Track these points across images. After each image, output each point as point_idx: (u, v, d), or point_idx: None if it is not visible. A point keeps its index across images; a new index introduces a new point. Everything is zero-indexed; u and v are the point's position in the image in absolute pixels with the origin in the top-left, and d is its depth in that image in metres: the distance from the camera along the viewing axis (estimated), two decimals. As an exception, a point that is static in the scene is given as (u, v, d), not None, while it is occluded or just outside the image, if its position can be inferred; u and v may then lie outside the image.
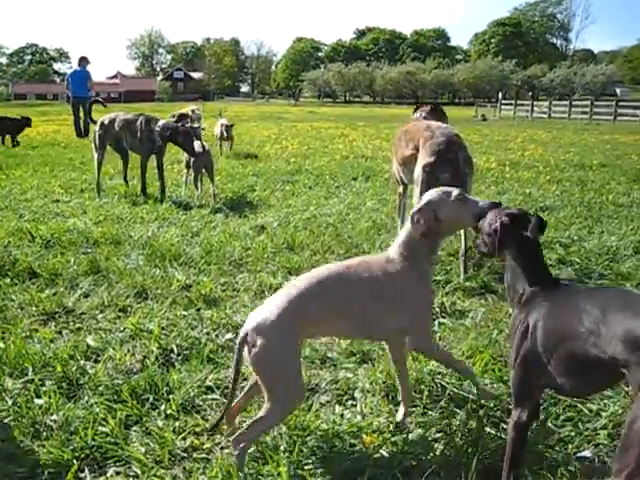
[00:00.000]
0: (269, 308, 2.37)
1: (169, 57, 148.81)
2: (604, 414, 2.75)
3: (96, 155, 8.37)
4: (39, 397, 2.90)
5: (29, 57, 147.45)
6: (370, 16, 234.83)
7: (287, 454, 2.44)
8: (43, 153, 13.41)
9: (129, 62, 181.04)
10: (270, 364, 2.31)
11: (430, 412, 2.79)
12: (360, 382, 3.07)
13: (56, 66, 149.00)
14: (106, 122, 8.21)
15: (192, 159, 7.71)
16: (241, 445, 2.30)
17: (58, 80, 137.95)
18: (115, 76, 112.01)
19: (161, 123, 7.84)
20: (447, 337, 3.60)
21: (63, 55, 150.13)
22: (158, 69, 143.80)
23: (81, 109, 16.26)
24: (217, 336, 3.60)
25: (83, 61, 17.70)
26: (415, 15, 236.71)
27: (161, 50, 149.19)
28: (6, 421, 2.72)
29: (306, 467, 2.38)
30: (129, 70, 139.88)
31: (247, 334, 2.32)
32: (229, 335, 3.60)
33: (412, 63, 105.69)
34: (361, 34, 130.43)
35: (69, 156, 12.75)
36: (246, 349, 2.33)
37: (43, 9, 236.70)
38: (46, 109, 47.23)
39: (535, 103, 45.82)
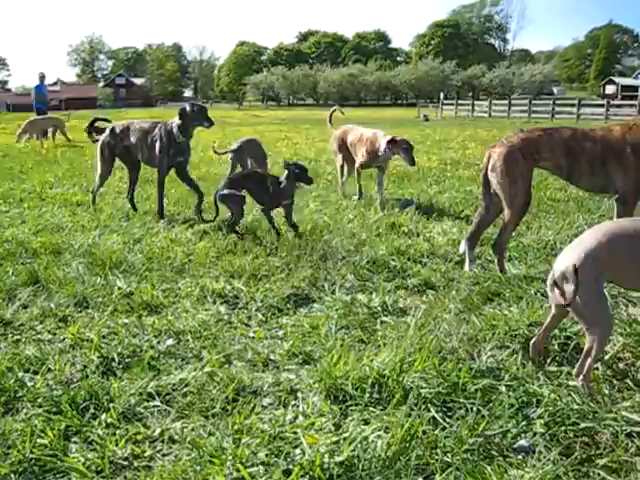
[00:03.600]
0: (572, 255, 2.91)
1: (110, 63, 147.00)
2: (542, 401, 2.80)
3: (100, 166, 7.51)
4: (-25, 411, 2.84)
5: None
6: (312, 20, 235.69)
7: (230, 457, 2.44)
8: (-20, 163, 13.13)
9: (70, 69, 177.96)
10: (584, 302, 2.84)
11: (372, 409, 2.81)
12: (302, 383, 3.08)
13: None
14: (118, 130, 7.30)
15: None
16: (581, 377, 2.92)
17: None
18: (55, 83, 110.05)
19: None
20: (389, 335, 3.63)
21: (1, 62, 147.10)
22: (99, 75, 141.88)
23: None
24: (159, 343, 3.57)
25: (42, 78, 21.30)
26: (356, 18, 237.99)
27: (102, 56, 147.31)
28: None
29: (248, 469, 2.38)
30: (70, 77, 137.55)
31: (557, 277, 2.92)
32: (170, 341, 3.58)
33: (354, 65, 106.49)
34: (303, 37, 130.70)
35: (8, 165, 12.52)
36: (557, 291, 2.96)
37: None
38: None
39: (476, 102, 46.49)
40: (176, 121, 6.83)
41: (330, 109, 9.45)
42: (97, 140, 7.52)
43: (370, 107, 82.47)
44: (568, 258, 2.91)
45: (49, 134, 18.89)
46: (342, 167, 8.42)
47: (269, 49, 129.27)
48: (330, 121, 9.08)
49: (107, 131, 7.36)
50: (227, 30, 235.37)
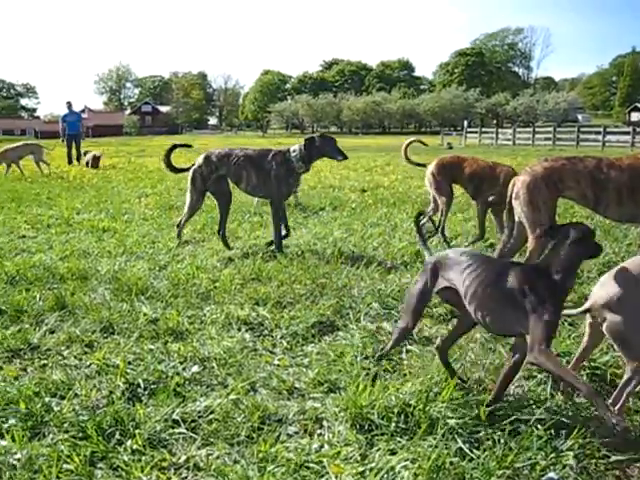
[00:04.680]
0: (615, 285, 2.89)
1: (137, 91, 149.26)
2: (572, 433, 2.77)
3: (190, 197, 7.09)
4: (1, 436, 2.86)
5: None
6: (337, 48, 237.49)
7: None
8: (10, 188, 13.31)
9: (97, 97, 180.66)
10: (629, 332, 2.82)
11: (399, 439, 2.79)
12: (328, 412, 3.07)
13: (23, 101, 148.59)
14: (214, 159, 6.86)
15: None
16: (616, 408, 2.87)
17: (25, 115, 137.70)
18: (83, 111, 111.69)
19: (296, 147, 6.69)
20: (414, 364, 3.61)
21: (30, 90, 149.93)
22: (126, 103, 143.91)
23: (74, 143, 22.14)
24: (184, 369, 3.58)
25: (71, 106, 22.36)
26: (381, 47, 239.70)
27: (129, 84, 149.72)
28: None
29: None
30: (97, 105, 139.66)
31: (598, 307, 2.90)
32: (196, 368, 3.59)
33: (378, 93, 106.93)
34: (328, 66, 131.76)
35: (36, 191, 12.67)
36: (594, 320, 2.98)
37: (9, 44, 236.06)
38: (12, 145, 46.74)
39: (500, 130, 46.48)
40: (297, 150, 6.62)
41: (355, 137, 8.95)
42: (178, 169, 7.25)
43: (393, 135, 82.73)
44: (611, 288, 2.89)
45: (33, 162, 18.37)
46: (449, 205, 7.25)
47: (294, 77, 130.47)
48: (406, 154, 8.05)
49: (200, 159, 6.94)
50: (252, 59, 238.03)
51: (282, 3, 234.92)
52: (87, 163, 20.72)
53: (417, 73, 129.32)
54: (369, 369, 3.48)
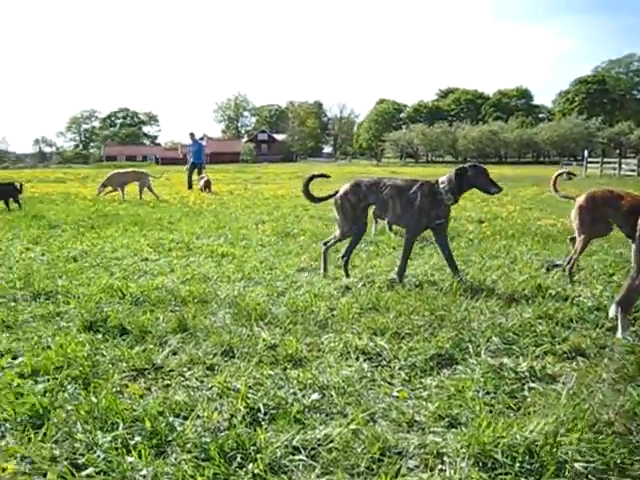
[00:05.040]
0: None
1: (253, 120, 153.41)
2: None
3: (348, 226, 6.83)
4: (129, 452, 2.96)
5: (120, 120, 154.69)
6: (452, 77, 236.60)
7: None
8: (132, 213, 13.86)
9: (215, 125, 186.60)
10: None
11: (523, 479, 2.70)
12: (449, 447, 3.00)
13: (145, 129, 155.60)
14: (363, 187, 6.76)
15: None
16: None
17: (147, 142, 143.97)
18: (202, 138, 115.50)
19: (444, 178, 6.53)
20: (538, 402, 3.50)
21: (152, 119, 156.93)
22: (243, 131, 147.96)
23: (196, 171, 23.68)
24: (304, 396, 3.59)
25: (194, 135, 24.32)
26: (497, 75, 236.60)
27: (246, 113, 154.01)
28: (96, 475, 2.78)
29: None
30: (215, 133, 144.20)
31: None
32: (315, 396, 3.59)
33: (495, 122, 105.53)
34: (443, 95, 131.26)
35: (157, 216, 13.14)
36: None
37: (135, 75, 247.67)
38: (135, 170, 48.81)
39: (623, 161, 44.83)
40: (446, 181, 6.47)
41: (556, 171, 7.98)
42: (318, 198, 7.19)
43: (510, 165, 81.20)
44: None
45: (138, 189, 18.90)
46: (587, 243, 6.65)
47: (408, 106, 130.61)
48: (555, 186, 7.46)
49: (347, 187, 6.83)
50: (368, 88, 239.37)
51: (398, 32, 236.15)
52: (201, 188, 21.80)
53: (536, 101, 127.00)
54: (492, 405, 3.40)
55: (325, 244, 7.12)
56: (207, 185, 21.82)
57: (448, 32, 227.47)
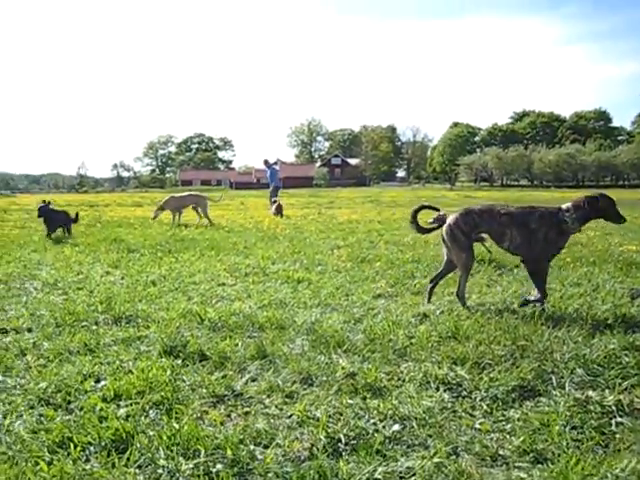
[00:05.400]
0: None
1: (327, 144, 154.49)
2: None
3: (464, 255, 6.54)
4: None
5: (196, 145, 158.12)
6: (527, 99, 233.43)
7: None
8: (208, 237, 14.04)
9: (288, 149, 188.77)
10: None
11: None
12: (534, 483, 2.93)
13: (220, 154, 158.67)
14: (475, 215, 6.52)
15: None
16: None
17: (222, 167, 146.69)
18: (275, 163, 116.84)
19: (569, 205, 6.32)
20: (627, 439, 3.37)
21: (227, 144, 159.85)
22: (316, 156, 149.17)
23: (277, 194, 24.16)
24: (384, 427, 3.56)
25: (268, 162, 25.89)
26: (574, 97, 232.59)
27: (320, 137, 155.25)
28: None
29: None
30: (288, 157, 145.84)
31: None
32: (396, 427, 3.55)
33: (571, 145, 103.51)
34: (518, 117, 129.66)
35: (233, 240, 13.27)
36: None
37: (210, 101, 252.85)
38: (210, 195, 49.66)
39: None
40: (572, 209, 6.26)
41: (546, 190, 7.71)
42: (426, 229, 7.08)
43: (588, 188, 79.38)
44: None
45: (197, 212, 18.83)
46: None
47: (483, 130, 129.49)
48: None
49: (457, 216, 6.57)
50: (441, 111, 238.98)
51: (472, 55, 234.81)
52: (273, 212, 22.29)
53: (614, 123, 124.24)
54: (579, 441, 3.30)
55: (432, 281, 6.87)
56: (279, 210, 22.15)
57: (522, 54, 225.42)
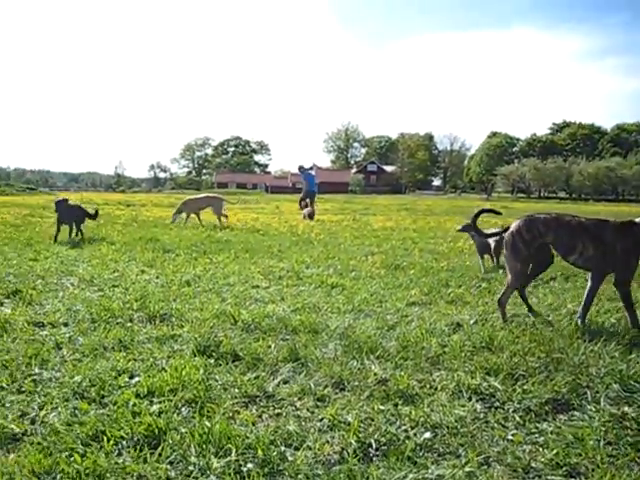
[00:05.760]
0: None
1: (363, 151, 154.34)
2: None
3: (519, 266, 6.35)
4: (242, 479, 2.99)
5: (232, 148, 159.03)
6: (567, 111, 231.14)
7: None
8: (243, 240, 14.10)
9: (324, 155, 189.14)
10: None
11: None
12: (568, 498, 2.90)
13: (256, 157, 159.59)
14: (540, 225, 6.27)
15: None
16: None
17: (258, 171, 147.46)
18: (311, 168, 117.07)
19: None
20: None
21: (263, 147, 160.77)
22: (352, 162, 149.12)
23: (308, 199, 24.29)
24: (416, 434, 3.55)
25: (303, 168, 25.75)
26: (616, 109, 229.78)
27: (356, 144, 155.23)
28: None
29: None
30: (323, 162, 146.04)
31: None
32: (428, 434, 3.54)
33: (612, 159, 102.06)
34: (558, 129, 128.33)
35: (267, 243, 13.31)
36: None
37: (248, 105, 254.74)
38: (245, 198, 50.07)
39: None
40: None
41: (585, 203, 7.44)
42: (486, 234, 7.03)
43: (628, 202, 78.29)
44: None
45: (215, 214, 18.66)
46: None
47: (521, 140, 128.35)
48: None
49: (520, 224, 6.37)
50: (480, 120, 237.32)
51: (512, 65, 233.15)
52: (304, 216, 22.81)
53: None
54: (613, 457, 3.25)
55: (499, 302, 6.49)
56: (310, 215, 22.70)
57: (563, 65, 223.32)
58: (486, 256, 10.03)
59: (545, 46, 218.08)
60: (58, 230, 13.20)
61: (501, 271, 9.46)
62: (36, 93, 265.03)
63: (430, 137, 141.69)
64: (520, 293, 6.73)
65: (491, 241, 9.61)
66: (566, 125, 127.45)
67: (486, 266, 9.85)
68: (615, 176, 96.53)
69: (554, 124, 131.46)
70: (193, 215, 18.72)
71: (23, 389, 4.20)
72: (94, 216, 14.34)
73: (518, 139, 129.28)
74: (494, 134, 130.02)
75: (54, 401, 3.97)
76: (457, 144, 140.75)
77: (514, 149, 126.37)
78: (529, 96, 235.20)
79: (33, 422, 3.69)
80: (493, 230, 8.00)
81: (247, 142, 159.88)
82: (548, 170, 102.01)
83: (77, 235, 13.63)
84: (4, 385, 4.24)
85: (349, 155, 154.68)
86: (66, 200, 13.96)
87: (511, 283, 6.43)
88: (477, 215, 6.92)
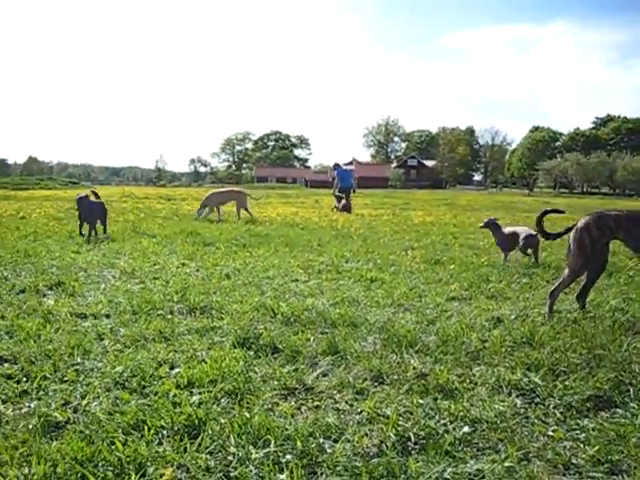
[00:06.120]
0: None
1: (403, 145, 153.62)
2: None
3: (580, 263, 6.25)
4: (281, 470, 3.01)
5: (272, 143, 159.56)
6: (611, 105, 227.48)
7: None
8: (283, 234, 14.15)
9: (364, 149, 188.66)
10: None
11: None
12: (609, 495, 2.86)
13: (296, 152, 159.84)
14: (611, 221, 6.17)
15: None
16: None
17: (297, 165, 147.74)
18: (351, 162, 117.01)
19: None
20: None
21: (303, 142, 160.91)
22: (392, 157, 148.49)
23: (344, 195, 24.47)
24: (454, 429, 3.53)
25: (338, 165, 26.29)
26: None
27: (396, 138, 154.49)
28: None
29: None
30: (364, 157, 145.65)
31: None
32: (467, 429, 3.52)
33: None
34: (602, 123, 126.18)
35: (307, 237, 13.32)
36: None
37: (288, 99, 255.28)
38: (285, 192, 50.19)
39: None
40: None
41: (629, 199, 7.27)
42: (553, 234, 6.75)
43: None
44: None
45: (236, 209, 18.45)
46: None
47: (564, 135, 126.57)
48: None
49: (589, 220, 6.27)
50: (521, 114, 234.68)
51: (552, 57, 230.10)
52: (338, 209, 24.04)
53: None
54: (657, 455, 3.21)
55: (552, 293, 6.45)
56: (346, 208, 23.64)
57: (604, 56, 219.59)
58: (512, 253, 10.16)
59: (587, 39, 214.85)
60: (81, 225, 12.90)
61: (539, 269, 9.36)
62: (79, 88, 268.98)
63: (471, 131, 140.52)
64: (583, 289, 6.57)
65: (521, 238, 9.71)
66: (610, 119, 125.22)
67: (512, 261, 9.86)
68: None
69: (597, 118, 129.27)
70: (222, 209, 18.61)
71: (66, 378, 4.26)
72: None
73: (561, 134, 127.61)
74: (536, 128, 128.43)
75: (96, 390, 4.03)
76: (498, 138, 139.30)
77: (556, 144, 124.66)
78: (572, 90, 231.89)
79: (75, 411, 3.75)
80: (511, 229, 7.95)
81: (287, 136, 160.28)
82: (591, 165, 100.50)
83: (104, 232, 12.96)
84: (47, 374, 4.31)
85: (389, 150, 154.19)
86: (87, 197, 13.31)
87: (566, 278, 6.37)
88: (542, 215, 6.84)
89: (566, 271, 6.42)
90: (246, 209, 18.47)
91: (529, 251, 9.84)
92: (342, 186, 24.93)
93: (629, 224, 6.13)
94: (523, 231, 9.91)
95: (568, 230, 6.48)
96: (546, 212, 6.97)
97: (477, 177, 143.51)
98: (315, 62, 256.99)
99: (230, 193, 19.25)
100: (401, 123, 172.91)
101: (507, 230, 10.22)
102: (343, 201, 23.93)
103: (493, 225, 10.30)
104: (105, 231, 13.02)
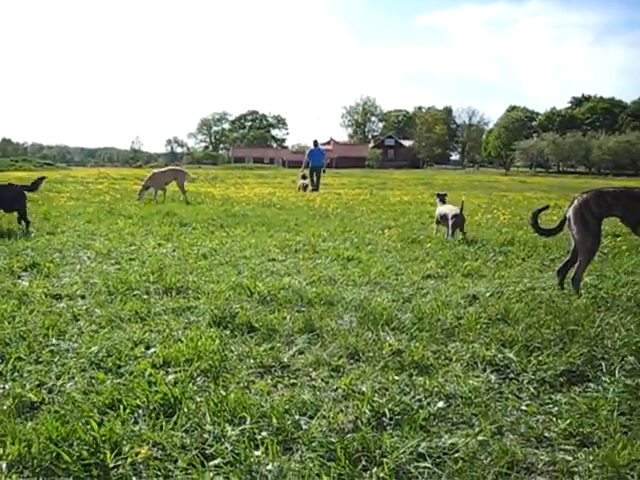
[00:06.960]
0: None
1: (381, 125, 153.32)
2: None
3: (583, 239, 6.29)
4: (256, 446, 3.02)
5: (249, 123, 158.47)
6: (587, 84, 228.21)
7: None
8: (260, 214, 14.13)
9: (341, 129, 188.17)
10: None
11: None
12: (580, 466, 2.90)
13: (274, 132, 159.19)
14: (609, 198, 6.24)
15: None
16: None
17: (275, 145, 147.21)
18: (328, 142, 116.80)
19: None
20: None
21: (280, 122, 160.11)
22: (369, 137, 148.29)
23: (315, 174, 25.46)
24: (429, 404, 3.56)
25: (317, 142, 26.75)
26: (636, 82, 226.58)
27: (374, 118, 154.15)
28: (224, 466, 2.85)
29: None
30: (341, 137, 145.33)
31: None
32: (441, 404, 3.55)
33: (633, 133, 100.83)
34: (578, 103, 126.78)
35: (284, 217, 13.32)
36: None
37: (265, 79, 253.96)
38: (262, 172, 50.04)
39: None
40: None
41: (604, 177, 7.55)
42: (547, 230, 6.87)
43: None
44: None
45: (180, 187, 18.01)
46: None
47: (540, 114, 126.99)
48: None
49: (587, 196, 6.32)
50: (498, 94, 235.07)
51: (529, 37, 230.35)
52: (299, 188, 25.67)
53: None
54: (627, 427, 3.25)
55: (559, 272, 6.59)
56: (305, 187, 25.31)
57: (581, 39, 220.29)
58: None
59: (563, 19, 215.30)
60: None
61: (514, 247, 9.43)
62: (52, 69, 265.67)
63: (449, 111, 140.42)
64: (564, 265, 6.63)
65: (450, 216, 10.21)
66: (586, 99, 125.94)
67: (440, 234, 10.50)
68: (635, 150, 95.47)
69: (573, 98, 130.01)
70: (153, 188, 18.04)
71: (41, 359, 4.23)
72: (33, 187, 11.20)
73: (537, 113, 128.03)
74: (513, 108, 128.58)
75: (71, 371, 4.01)
76: (476, 118, 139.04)
77: (533, 123, 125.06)
78: (549, 70, 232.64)
79: (50, 391, 3.73)
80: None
81: (264, 116, 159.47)
82: (567, 144, 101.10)
83: (20, 224, 10.61)
84: (22, 356, 4.27)
85: (366, 129, 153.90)
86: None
87: (583, 260, 6.37)
88: (538, 212, 6.85)
89: (580, 254, 6.39)
90: (182, 189, 17.99)
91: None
92: (312, 165, 25.30)
93: (629, 201, 6.19)
94: (450, 211, 10.38)
95: (560, 228, 6.59)
96: (543, 209, 6.98)
97: (454, 157, 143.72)
98: (293, 41, 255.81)
99: (171, 172, 18.85)
100: (378, 103, 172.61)
101: (441, 209, 10.70)
102: (301, 181, 25.13)
103: (439, 199, 11.18)
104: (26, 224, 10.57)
